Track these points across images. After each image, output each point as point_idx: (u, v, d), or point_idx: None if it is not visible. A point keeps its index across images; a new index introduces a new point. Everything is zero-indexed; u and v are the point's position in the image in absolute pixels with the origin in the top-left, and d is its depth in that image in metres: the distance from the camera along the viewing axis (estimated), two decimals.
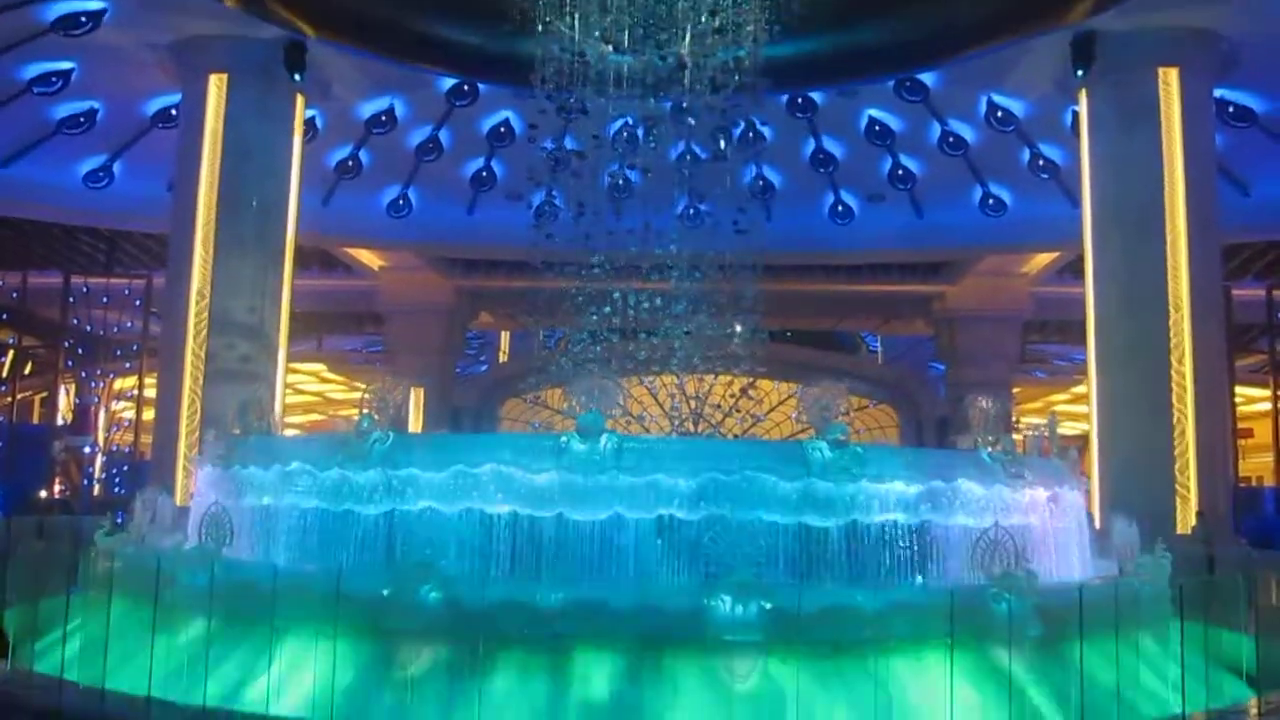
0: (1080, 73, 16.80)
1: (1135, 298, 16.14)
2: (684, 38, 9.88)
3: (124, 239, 25.71)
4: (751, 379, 17.26)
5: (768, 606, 6.10)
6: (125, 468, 26.13)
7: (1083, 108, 17.30)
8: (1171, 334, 15.81)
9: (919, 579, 7.14)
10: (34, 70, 18.55)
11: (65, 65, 18.54)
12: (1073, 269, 23.21)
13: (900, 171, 22.07)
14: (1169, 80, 16.38)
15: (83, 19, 16.87)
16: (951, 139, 20.96)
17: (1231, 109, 18.53)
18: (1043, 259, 25.60)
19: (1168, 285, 15.89)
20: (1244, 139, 19.06)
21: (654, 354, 12.44)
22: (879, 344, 37.51)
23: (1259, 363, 28.06)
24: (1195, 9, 15.67)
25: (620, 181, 11.03)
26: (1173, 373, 15.72)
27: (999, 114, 20.01)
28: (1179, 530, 14.89)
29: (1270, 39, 16.30)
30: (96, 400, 28.11)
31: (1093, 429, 16.60)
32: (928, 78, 19.27)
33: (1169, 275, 15.93)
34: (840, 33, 14.46)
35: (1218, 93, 17.67)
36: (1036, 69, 17.72)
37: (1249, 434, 29.83)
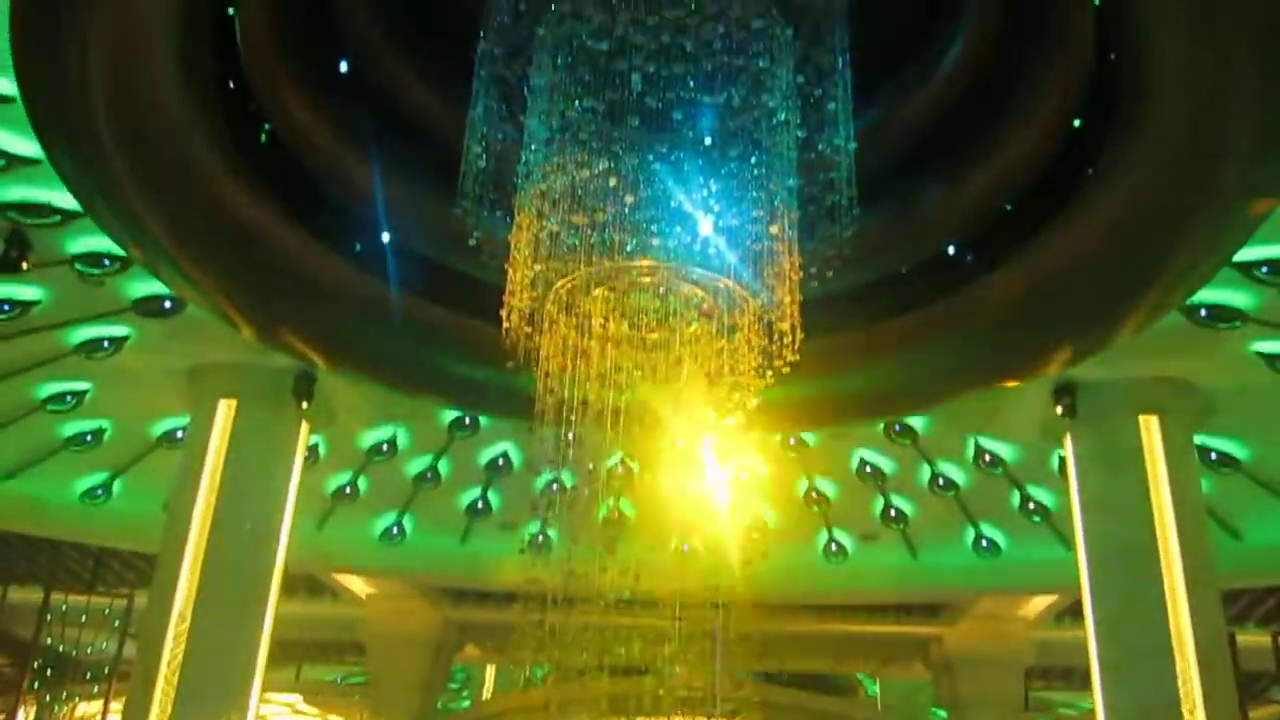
0: (1064, 418, 17.33)
1: (1138, 644, 15.75)
2: (677, 382, 10.32)
3: (111, 556, 25.41)
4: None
5: None
6: None
7: (1069, 452, 17.70)
8: (1180, 682, 15.29)
9: None
10: (50, 389, 19.11)
11: (82, 385, 19.14)
12: (1072, 613, 22.83)
13: (893, 512, 22.23)
14: (1150, 427, 16.85)
15: (106, 343, 17.60)
16: (941, 480, 21.28)
17: (1215, 455, 18.95)
18: (1041, 602, 25.20)
19: (1169, 631, 15.56)
20: (1231, 485, 19.36)
21: (644, 695, 11.99)
22: (878, 687, 36.17)
23: (1274, 714, 27.02)
24: (1168, 360, 16.40)
25: (615, 515, 11.12)
26: None
27: (987, 457, 20.45)
28: None
29: (1244, 389, 16.96)
30: None
31: None
32: (916, 421, 19.84)
33: (1170, 621, 15.63)
34: (828, 379, 15.08)
35: (1201, 439, 18.14)
36: (1022, 413, 18.27)
37: None
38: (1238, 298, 15.14)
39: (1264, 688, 26.91)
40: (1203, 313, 15.32)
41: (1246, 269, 14.37)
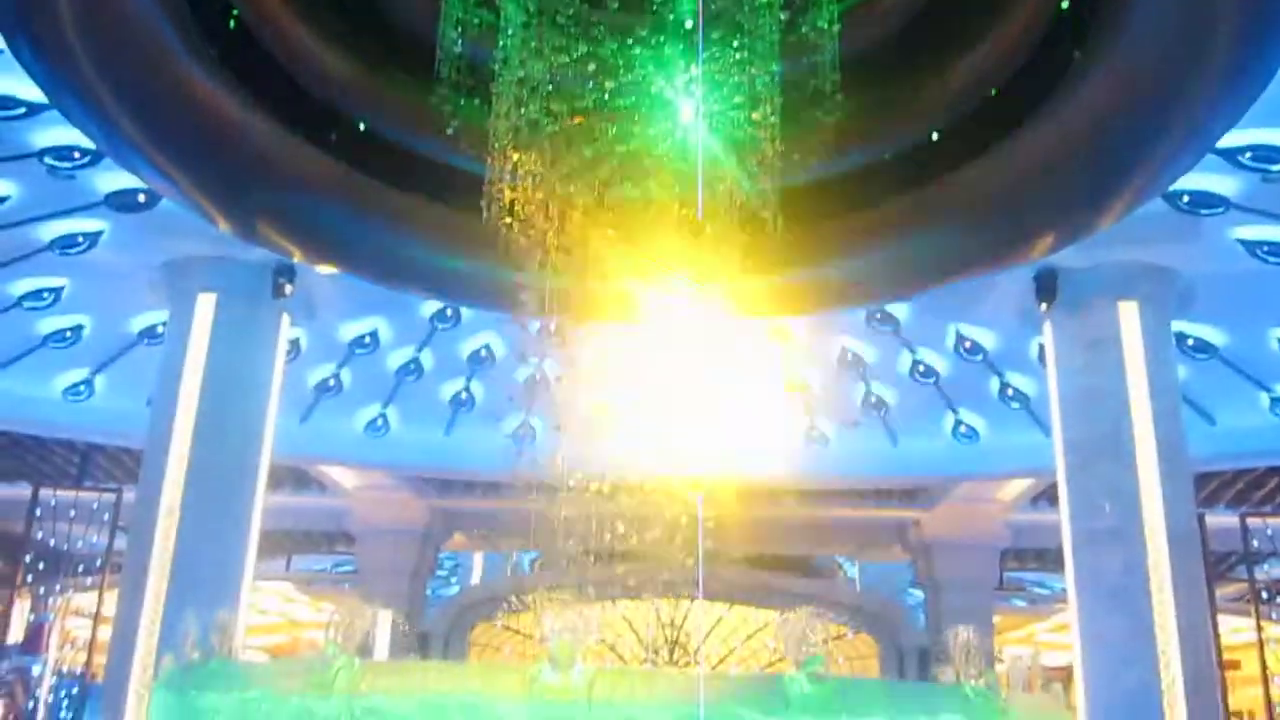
0: (1043, 306, 17.40)
1: (1110, 527, 16.09)
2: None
3: (97, 452, 25.55)
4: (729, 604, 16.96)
5: None
6: (75, 689, 24.96)
7: (1047, 339, 17.83)
8: (1150, 562, 15.69)
9: None
10: (26, 286, 18.90)
11: (58, 282, 18.92)
12: (1047, 496, 23.32)
13: (874, 399, 22.45)
14: (1129, 313, 16.93)
15: (80, 239, 17.34)
16: (922, 368, 21.45)
17: (1192, 342, 19.13)
18: (1017, 485, 25.72)
19: (1141, 514, 15.89)
20: (1206, 370, 19.60)
21: (629, 580, 12.25)
22: (856, 570, 37.03)
23: (1240, 591, 27.83)
24: (1150, 247, 16.40)
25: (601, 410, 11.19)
26: (1154, 603, 15.50)
27: (967, 344, 20.58)
28: None
29: (1223, 275, 17.03)
30: (51, 618, 27.15)
31: (1076, 663, 16.20)
32: (898, 309, 19.87)
33: (1142, 504, 15.95)
34: (810, 266, 15.02)
35: (1179, 326, 18.28)
36: (1002, 301, 18.34)
37: (1236, 665, 29.14)
38: (1221, 184, 15.08)
39: (1231, 566, 27.69)
40: (1185, 199, 15.26)
41: (1231, 155, 14.27)
